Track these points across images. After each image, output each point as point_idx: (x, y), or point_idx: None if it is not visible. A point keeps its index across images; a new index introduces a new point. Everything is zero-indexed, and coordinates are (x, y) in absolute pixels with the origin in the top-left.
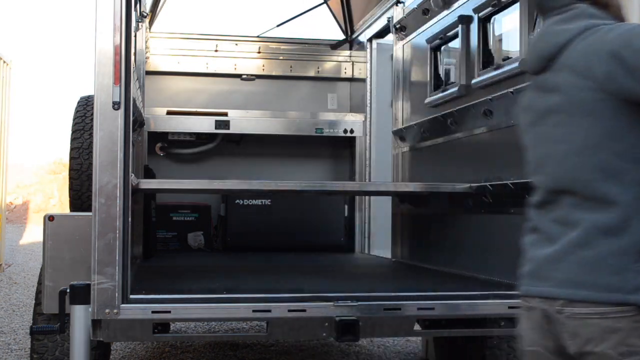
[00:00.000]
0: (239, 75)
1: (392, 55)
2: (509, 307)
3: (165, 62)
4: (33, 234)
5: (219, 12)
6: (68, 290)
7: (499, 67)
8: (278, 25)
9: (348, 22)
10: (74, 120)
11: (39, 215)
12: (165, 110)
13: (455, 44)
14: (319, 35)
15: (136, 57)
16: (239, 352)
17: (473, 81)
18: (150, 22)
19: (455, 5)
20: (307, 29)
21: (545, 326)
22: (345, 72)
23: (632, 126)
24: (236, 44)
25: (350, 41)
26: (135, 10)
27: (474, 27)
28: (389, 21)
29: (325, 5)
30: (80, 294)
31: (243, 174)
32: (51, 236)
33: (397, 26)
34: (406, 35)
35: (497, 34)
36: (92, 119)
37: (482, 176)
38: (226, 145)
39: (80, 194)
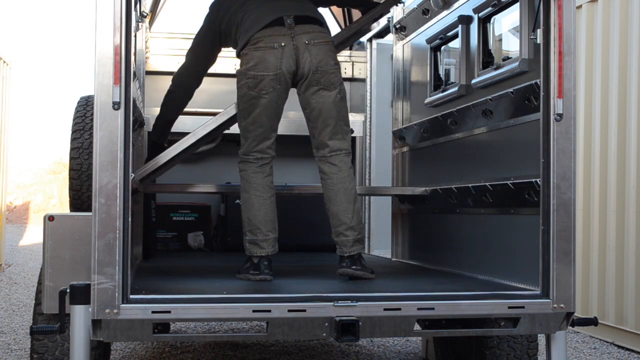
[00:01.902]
0: None
1: (392, 55)
2: (509, 307)
3: (165, 62)
4: (33, 234)
5: None
6: (68, 290)
7: (499, 67)
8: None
9: (348, 22)
10: (74, 120)
11: (39, 215)
12: None
13: (455, 44)
14: None
15: (136, 57)
16: (239, 352)
17: (473, 81)
18: (150, 22)
19: (455, 5)
20: None
21: None
22: (345, 72)
23: None
24: None
25: None
26: (135, 10)
27: (474, 27)
28: (389, 21)
29: None
30: (80, 294)
31: None
32: (51, 236)
33: (397, 26)
34: (406, 35)
35: (497, 34)
36: (92, 119)
37: (482, 176)
38: (226, 145)
39: (80, 194)
